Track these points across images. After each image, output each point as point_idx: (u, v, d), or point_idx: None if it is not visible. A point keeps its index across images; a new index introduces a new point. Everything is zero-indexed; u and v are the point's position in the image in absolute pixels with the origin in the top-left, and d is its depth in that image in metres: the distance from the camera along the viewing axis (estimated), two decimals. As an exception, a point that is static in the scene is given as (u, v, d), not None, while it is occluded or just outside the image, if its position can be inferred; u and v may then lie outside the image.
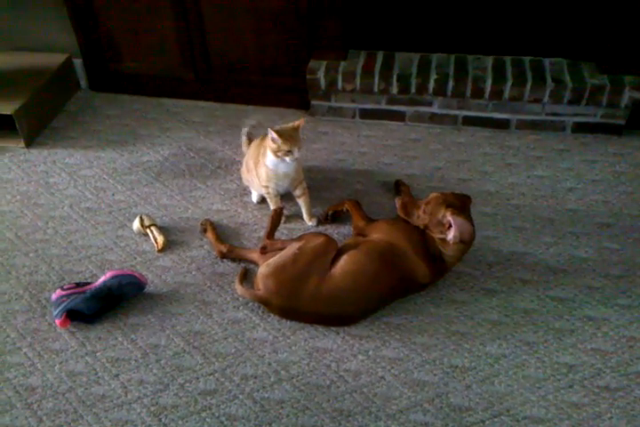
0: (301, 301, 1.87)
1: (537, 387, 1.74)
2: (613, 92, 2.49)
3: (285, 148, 2.04)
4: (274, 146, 2.05)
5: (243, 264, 2.11)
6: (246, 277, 2.05)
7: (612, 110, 2.55)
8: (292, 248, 1.93)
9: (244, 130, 2.47)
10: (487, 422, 1.66)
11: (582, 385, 1.74)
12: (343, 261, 1.92)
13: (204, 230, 2.23)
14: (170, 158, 2.61)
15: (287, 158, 2.07)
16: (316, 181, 2.44)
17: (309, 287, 1.86)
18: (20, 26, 2.89)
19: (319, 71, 2.66)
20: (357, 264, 1.91)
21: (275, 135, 2.02)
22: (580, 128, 2.63)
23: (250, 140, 2.41)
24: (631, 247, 2.14)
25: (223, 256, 2.13)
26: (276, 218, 2.13)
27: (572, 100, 2.54)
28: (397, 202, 2.02)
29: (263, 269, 1.94)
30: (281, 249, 1.98)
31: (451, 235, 1.87)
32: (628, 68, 2.52)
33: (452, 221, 1.86)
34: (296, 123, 2.10)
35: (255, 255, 2.08)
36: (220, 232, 2.22)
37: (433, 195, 1.97)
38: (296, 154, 2.07)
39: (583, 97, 2.52)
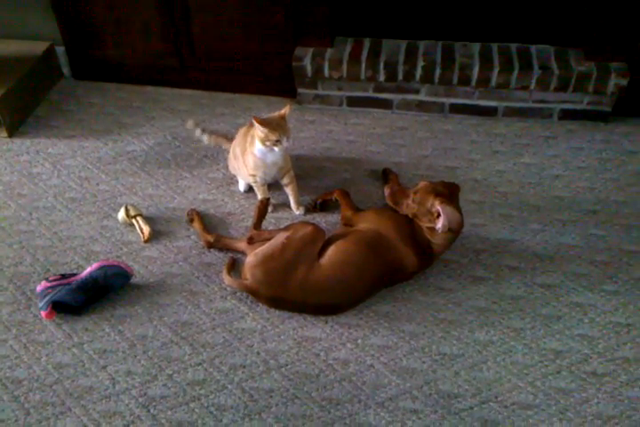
0: (289, 290, 1.86)
1: (525, 373, 1.75)
2: (600, 78, 2.49)
3: (274, 137, 2.02)
4: (262, 135, 2.03)
5: (230, 254, 2.09)
6: (234, 267, 2.04)
7: (599, 97, 2.55)
8: (280, 237, 1.92)
9: (194, 129, 2.44)
10: (476, 409, 1.67)
11: (570, 371, 1.76)
12: (331, 251, 1.91)
13: (191, 220, 2.21)
14: (155, 147, 2.58)
15: (276, 148, 2.05)
16: (303, 169, 2.43)
17: (297, 277, 1.86)
18: (1, 13, 2.83)
19: (305, 58, 2.64)
20: (345, 254, 1.90)
21: (259, 126, 2.00)
22: (566, 115, 2.63)
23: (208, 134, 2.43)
24: (617, 234, 2.15)
25: (210, 246, 2.12)
26: (263, 209, 2.12)
27: (558, 87, 2.53)
28: (386, 190, 2.01)
29: (251, 258, 1.93)
30: (268, 239, 1.97)
31: (439, 224, 1.87)
32: (615, 54, 2.52)
33: (440, 211, 1.85)
34: (282, 111, 2.08)
35: (242, 245, 2.06)
36: (206, 222, 2.20)
37: (422, 184, 1.96)
38: (285, 143, 2.04)
39: (570, 84, 2.52)
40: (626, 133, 2.58)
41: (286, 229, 1.97)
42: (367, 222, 2.01)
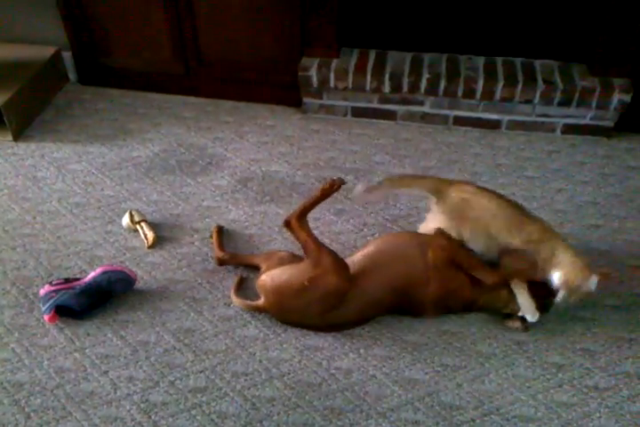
0: (306, 319, 1.85)
1: (527, 386, 1.75)
2: (603, 94, 2.52)
3: None
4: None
5: (239, 273, 2.05)
6: (242, 286, 2.00)
7: (602, 112, 2.57)
8: (303, 273, 1.79)
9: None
10: (477, 421, 1.67)
11: (571, 385, 1.76)
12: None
13: (211, 236, 2.16)
14: (160, 154, 2.59)
15: None
16: (306, 178, 2.44)
17: (312, 316, 1.83)
18: (9, 17, 2.84)
19: (311, 68, 2.66)
20: (372, 296, 1.85)
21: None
22: (569, 130, 2.65)
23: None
24: (619, 248, 2.16)
25: (222, 263, 2.07)
26: (330, 192, 1.84)
27: (562, 101, 2.56)
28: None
29: (267, 281, 1.86)
30: (300, 241, 1.83)
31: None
32: (618, 70, 2.55)
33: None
34: None
35: (257, 260, 2.02)
36: (209, 228, 2.20)
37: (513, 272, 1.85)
38: None
39: (573, 99, 2.54)
40: (628, 149, 2.60)
41: (316, 260, 1.79)
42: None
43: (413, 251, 1.88)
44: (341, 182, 1.84)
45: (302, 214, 1.83)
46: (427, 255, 1.85)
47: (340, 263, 1.82)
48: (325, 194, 1.84)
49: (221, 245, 2.11)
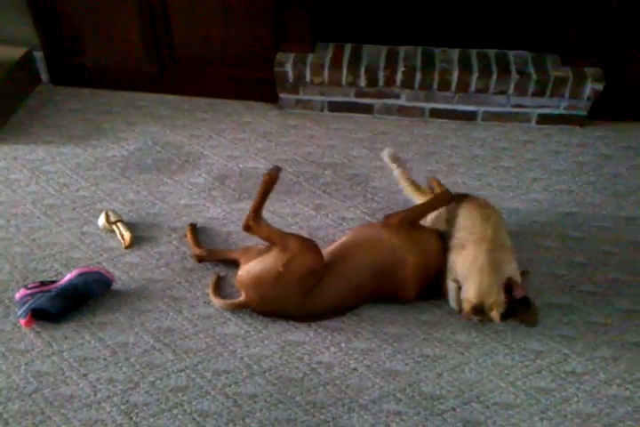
0: (289, 309, 1.85)
1: (506, 373, 1.77)
2: (576, 83, 2.54)
3: None
4: None
5: (215, 271, 2.04)
6: (219, 285, 1.99)
7: (575, 102, 2.60)
8: (276, 260, 1.81)
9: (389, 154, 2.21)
10: (458, 410, 1.68)
11: (550, 371, 1.78)
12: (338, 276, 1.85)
13: (185, 235, 2.15)
14: (135, 153, 2.57)
15: None
16: (284, 174, 2.43)
17: (294, 302, 1.83)
18: (-24, 18, 2.81)
19: (287, 64, 2.65)
20: (350, 282, 1.86)
21: None
22: (544, 119, 2.67)
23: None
24: (594, 236, 2.18)
25: (201, 260, 2.06)
26: (271, 183, 1.87)
27: (536, 91, 2.57)
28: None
29: (244, 275, 1.86)
30: (264, 238, 1.86)
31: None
32: (590, 60, 2.57)
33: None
34: None
35: (235, 255, 2.02)
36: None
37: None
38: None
39: (547, 89, 2.56)
40: (601, 137, 2.63)
41: (284, 246, 1.81)
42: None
43: (383, 232, 1.91)
44: (278, 170, 1.87)
45: (256, 214, 1.85)
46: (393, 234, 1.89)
47: (307, 243, 1.84)
48: (268, 188, 1.87)
49: (198, 242, 2.10)
